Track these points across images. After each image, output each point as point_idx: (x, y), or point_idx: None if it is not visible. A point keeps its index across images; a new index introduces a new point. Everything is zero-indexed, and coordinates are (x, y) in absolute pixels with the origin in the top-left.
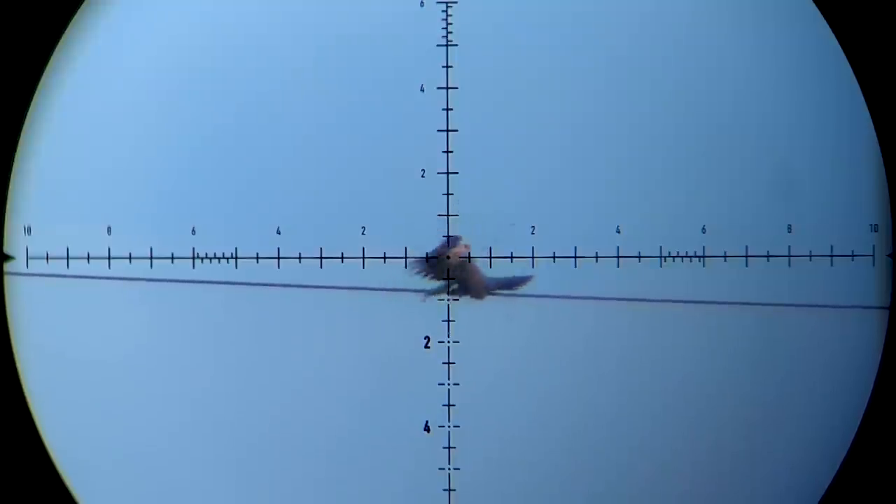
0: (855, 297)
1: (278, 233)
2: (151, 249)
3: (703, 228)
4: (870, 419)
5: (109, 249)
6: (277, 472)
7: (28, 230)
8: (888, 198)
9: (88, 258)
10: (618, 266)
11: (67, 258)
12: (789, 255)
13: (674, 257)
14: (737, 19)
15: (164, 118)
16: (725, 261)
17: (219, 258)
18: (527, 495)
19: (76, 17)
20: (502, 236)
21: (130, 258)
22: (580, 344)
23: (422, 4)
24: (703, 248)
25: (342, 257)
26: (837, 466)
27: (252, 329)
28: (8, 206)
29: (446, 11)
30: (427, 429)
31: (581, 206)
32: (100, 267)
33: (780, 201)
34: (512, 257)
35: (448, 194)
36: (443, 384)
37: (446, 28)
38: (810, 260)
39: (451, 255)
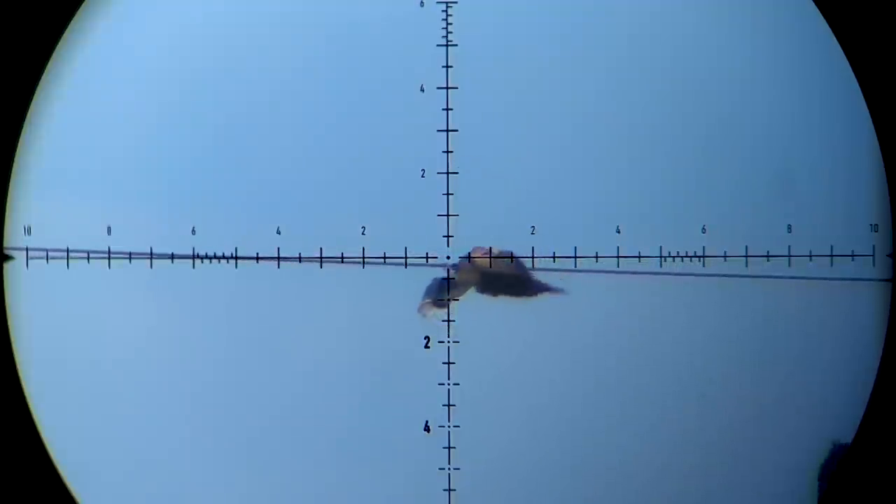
0: (855, 298)
1: (278, 233)
2: (151, 249)
3: (703, 228)
4: (870, 419)
5: (109, 249)
6: (277, 472)
7: (28, 230)
8: (888, 198)
9: (88, 258)
10: (618, 266)
11: (67, 258)
12: (789, 255)
13: (674, 257)
14: (737, 19)
15: (164, 119)
16: (725, 261)
17: (219, 258)
18: (527, 495)
19: (76, 17)
20: (502, 236)
21: (130, 258)
22: (579, 343)
23: (422, 4)
24: (703, 248)
25: (342, 257)
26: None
27: (251, 329)
28: (8, 206)
29: (446, 11)
30: (427, 429)
31: (581, 206)
32: (100, 267)
33: (780, 201)
34: (512, 257)
35: (448, 194)
36: (443, 384)
37: (446, 28)
38: (810, 260)
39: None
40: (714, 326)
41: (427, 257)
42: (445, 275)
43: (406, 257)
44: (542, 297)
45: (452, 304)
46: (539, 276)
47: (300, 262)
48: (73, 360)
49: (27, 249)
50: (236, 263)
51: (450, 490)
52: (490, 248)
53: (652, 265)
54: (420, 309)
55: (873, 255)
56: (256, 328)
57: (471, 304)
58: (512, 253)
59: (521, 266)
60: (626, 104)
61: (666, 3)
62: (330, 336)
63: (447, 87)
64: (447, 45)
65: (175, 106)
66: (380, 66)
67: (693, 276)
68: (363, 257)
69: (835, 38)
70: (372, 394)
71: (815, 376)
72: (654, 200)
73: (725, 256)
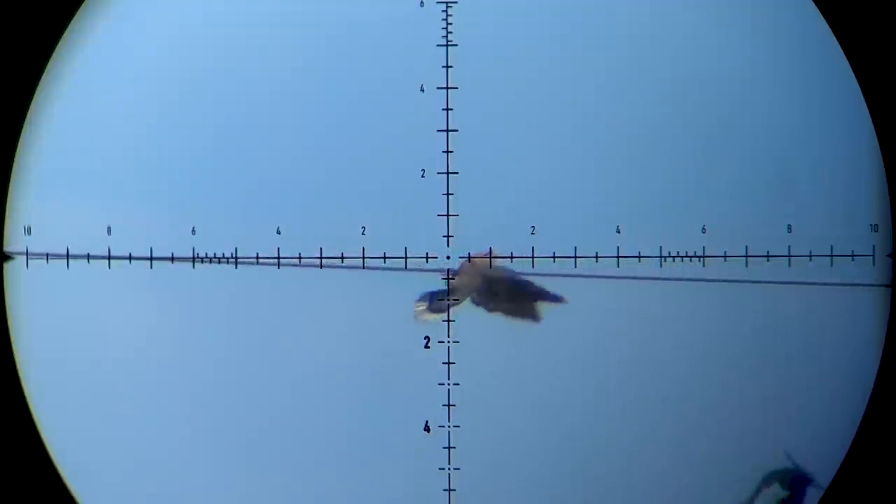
0: (855, 298)
1: (278, 233)
2: (151, 249)
3: (703, 228)
4: (870, 420)
5: (109, 249)
6: (277, 472)
7: (28, 230)
8: (888, 198)
9: (88, 258)
10: (618, 266)
11: (67, 258)
12: (789, 255)
13: (674, 257)
14: (737, 19)
15: (164, 118)
16: (725, 261)
17: (219, 258)
18: (527, 495)
19: (76, 17)
20: (502, 236)
21: (130, 258)
22: (579, 343)
23: (422, 4)
24: (703, 248)
25: (342, 257)
26: (837, 466)
27: (251, 329)
28: (8, 206)
29: (446, 11)
30: (427, 429)
31: (581, 206)
32: (100, 267)
33: (780, 201)
34: (512, 257)
35: (448, 194)
36: (443, 384)
37: (446, 28)
38: (810, 260)
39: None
40: (714, 328)
41: (427, 257)
42: (445, 275)
43: (406, 257)
44: (542, 310)
45: (453, 305)
46: (537, 282)
47: (300, 262)
48: (73, 360)
49: (27, 249)
50: (236, 264)
51: (450, 490)
52: (490, 248)
53: (652, 265)
54: (416, 317)
55: (873, 255)
56: (256, 328)
57: (471, 304)
58: (512, 253)
59: (518, 281)
60: (626, 104)
61: (666, 3)
62: (330, 336)
63: (447, 87)
64: (447, 45)
65: (175, 106)
66: (380, 66)
67: (693, 277)
68: (363, 257)
69: (835, 38)
70: (372, 394)
71: (814, 379)
72: (654, 200)
73: (725, 256)
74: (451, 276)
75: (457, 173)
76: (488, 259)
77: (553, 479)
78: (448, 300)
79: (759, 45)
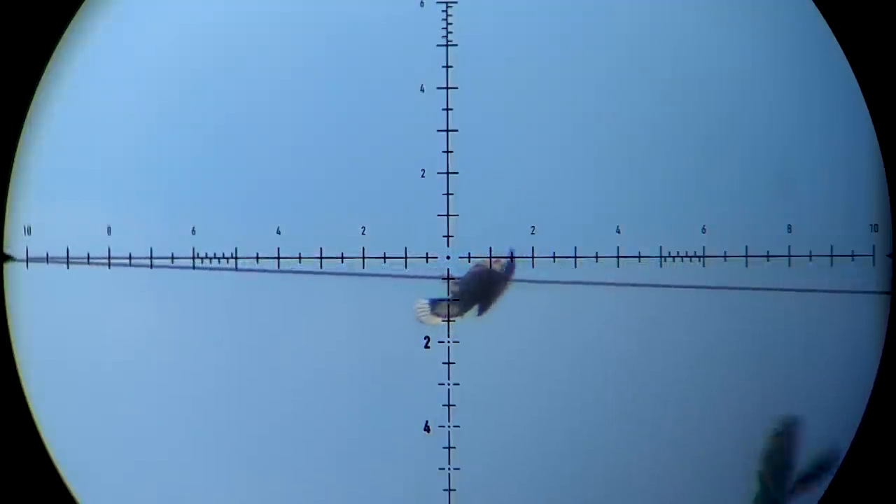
0: (855, 298)
1: (278, 233)
2: (151, 250)
3: (703, 228)
4: (869, 420)
5: (109, 250)
6: (278, 473)
7: (28, 230)
8: (888, 198)
9: (88, 259)
10: (618, 266)
11: (67, 259)
12: (789, 255)
13: (674, 257)
14: (737, 19)
15: (164, 118)
16: (725, 261)
17: (219, 258)
18: (527, 495)
19: (76, 17)
20: (502, 236)
21: (130, 259)
22: (580, 344)
23: (422, 4)
24: (703, 248)
25: (342, 257)
26: (836, 469)
27: (251, 329)
28: (8, 206)
29: (446, 11)
30: (427, 429)
31: (581, 206)
32: (100, 267)
33: (780, 201)
34: (512, 257)
35: (448, 194)
36: (443, 384)
37: (446, 28)
38: (810, 260)
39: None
40: (714, 332)
41: (427, 257)
42: (444, 275)
43: (406, 257)
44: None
45: (453, 305)
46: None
47: (300, 261)
48: (73, 360)
49: (27, 250)
50: (236, 264)
51: (450, 490)
52: (490, 248)
53: (652, 265)
54: (418, 315)
55: (873, 255)
56: (256, 328)
57: (474, 314)
58: (512, 253)
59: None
60: (626, 104)
61: (666, 3)
62: (330, 336)
63: (447, 87)
64: (447, 45)
65: (175, 106)
66: (380, 66)
67: (693, 276)
68: (363, 257)
69: (835, 38)
70: (372, 394)
71: (814, 383)
72: (654, 200)
73: (725, 256)
74: (450, 277)
75: (457, 173)
76: (489, 260)
77: (552, 478)
78: (448, 300)
79: (759, 45)
